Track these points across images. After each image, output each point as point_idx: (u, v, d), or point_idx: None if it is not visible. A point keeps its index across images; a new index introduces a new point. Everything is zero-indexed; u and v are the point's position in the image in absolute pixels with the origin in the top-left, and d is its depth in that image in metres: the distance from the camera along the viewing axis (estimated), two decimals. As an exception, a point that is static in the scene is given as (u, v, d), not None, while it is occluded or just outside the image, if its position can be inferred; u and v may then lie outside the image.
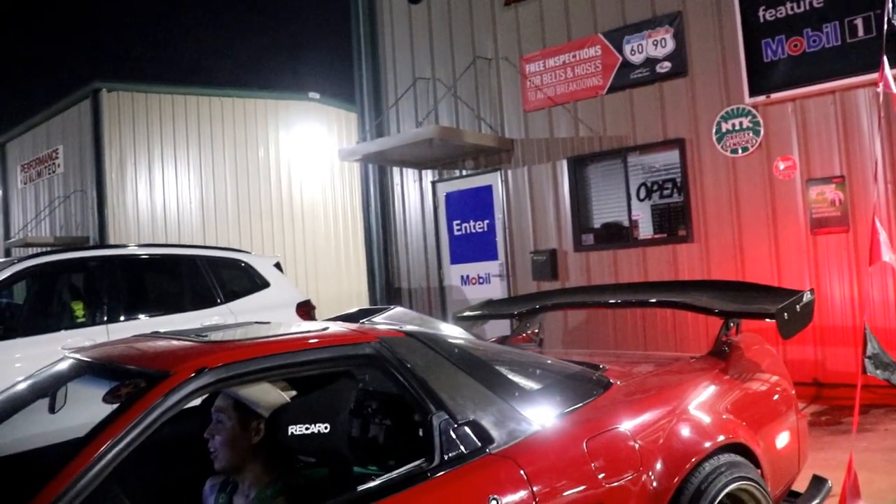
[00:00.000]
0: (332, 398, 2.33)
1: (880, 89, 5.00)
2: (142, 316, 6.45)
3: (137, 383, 2.10)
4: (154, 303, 6.80)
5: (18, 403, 2.63)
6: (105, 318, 6.20)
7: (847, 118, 7.24)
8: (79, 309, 6.32)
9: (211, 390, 2.16)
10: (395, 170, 11.21)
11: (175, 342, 2.46)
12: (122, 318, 6.30)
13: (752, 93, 7.71)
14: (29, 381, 2.72)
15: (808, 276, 7.45)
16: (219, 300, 6.88)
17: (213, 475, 2.60)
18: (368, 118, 11.38)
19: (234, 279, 7.23)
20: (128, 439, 1.93)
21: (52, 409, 2.58)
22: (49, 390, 2.60)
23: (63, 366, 2.66)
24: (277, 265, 7.66)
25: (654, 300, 4.04)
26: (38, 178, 18.83)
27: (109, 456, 1.88)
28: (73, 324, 6.20)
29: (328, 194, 19.25)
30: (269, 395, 2.42)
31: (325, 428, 2.23)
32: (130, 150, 16.26)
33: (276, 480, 2.42)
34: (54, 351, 5.68)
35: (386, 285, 11.28)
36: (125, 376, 2.21)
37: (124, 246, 7.99)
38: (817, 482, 3.80)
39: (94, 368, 2.46)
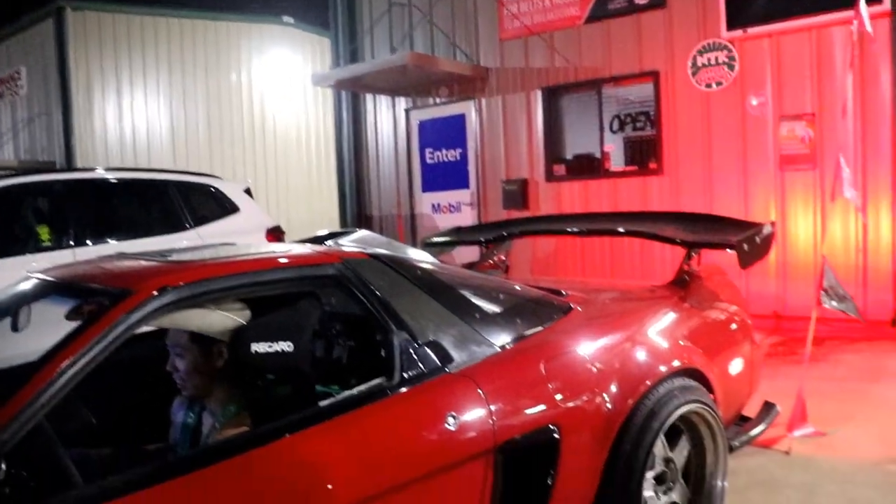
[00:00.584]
0: (295, 318, 2.37)
1: (854, 27, 5.03)
2: (109, 240, 6.40)
3: (100, 301, 2.11)
4: (122, 227, 6.73)
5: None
6: (71, 242, 6.15)
7: (822, 56, 7.27)
8: (44, 233, 6.24)
9: (173, 309, 2.17)
10: (369, 97, 11.11)
11: (139, 262, 2.47)
12: (88, 242, 6.24)
13: (730, 27, 7.70)
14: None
15: (775, 212, 7.57)
16: (188, 225, 6.85)
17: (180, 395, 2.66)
18: (342, 43, 11.19)
19: (204, 204, 7.17)
20: (90, 355, 1.94)
21: (14, 328, 2.59)
22: (11, 310, 2.61)
23: (26, 286, 2.66)
24: (248, 191, 7.62)
25: (619, 229, 4.10)
26: (-1, 99, 18.36)
27: (72, 372, 1.89)
28: (38, 247, 6.12)
29: (301, 120, 19.01)
30: (221, 318, 2.44)
31: (289, 346, 2.27)
32: (98, 73, 15.85)
33: (239, 398, 2.48)
34: (19, 275, 5.68)
35: (357, 212, 11.30)
36: (88, 295, 2.22)
37: (92, 170, 7.88)
38: (767, 407, 3.96)
39: (57, 288, 2.47)
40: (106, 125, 15.91)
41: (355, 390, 2.27)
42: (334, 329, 2.72)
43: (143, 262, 2.43)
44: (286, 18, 18.86)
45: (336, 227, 14.98)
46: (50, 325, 2.37)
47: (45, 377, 1.84)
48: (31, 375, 1.85)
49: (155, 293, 2.10)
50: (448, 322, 2.53)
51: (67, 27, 15.51)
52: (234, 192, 7.37)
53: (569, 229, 4.49)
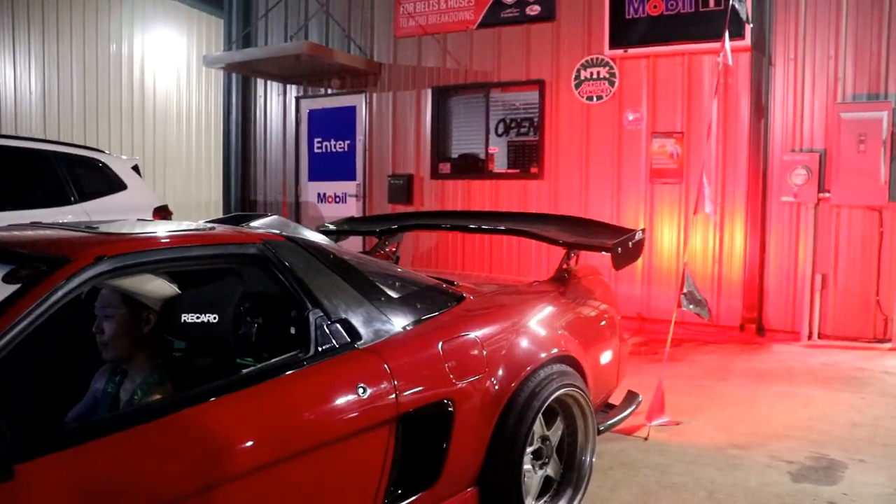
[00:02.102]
0: (220, 292, 2.54)
1: (720, 59, 5.58)
2: (-12, 210, 6.21)
3: (37, 267, 2.22)
4: (2, 197, 6.53)
5: None
6: (-54, 211, 5.95)
7: (692, 80, 7.89)
8: None
9: (107, 278, 2.30)
10: (260, 82, 11.10)
11: (66, 232, 2.57)
12: (-37, 211, 6.05)
13: (612, 45, 8.21)
14: None
15: (644, 220, 8.15)
16: (73, 199, 6.73)
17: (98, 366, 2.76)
18: (236, 26, 11.13)
19: (90, 178, 7.05)
20: (30, 318, 2.04)
21: None
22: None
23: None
24: (136, 168, 7.53)
25: (508, 228, 4.43)
26: None
27: (13, 333, 1.99)
28: None
29: (183, 99, 18.54)
30: (157, 287, 2.60)
31: (214, 318, 2.44)
32: (-40, 34, 14.98)
33: (161, 367, 2.62)
34: None
35: (241, 197, 11.25)
36: (23, 260, 2.31)
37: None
38: (630, 396, 4.39)
39: None
40: (-32, 89, 15.05)
41: (274, 360, 2.47)
42: (250, 306, 2.90)
43: (72, 233, 2.54)
44: (176, -7, 18.34)
45: (217, 210, 14.77)
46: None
47: None
48: None
49: (92, 261, 2.23)
50: (357, 302, 2.77)
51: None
52: (121, 169, 7.29)
53: (463, 226, 4.79)
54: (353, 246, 7.20)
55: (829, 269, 7.42)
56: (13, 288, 2.17)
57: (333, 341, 2.60)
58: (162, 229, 2.67)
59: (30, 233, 2.68)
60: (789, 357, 6.93)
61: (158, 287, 2.56)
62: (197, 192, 18.36)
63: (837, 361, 6.72)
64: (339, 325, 2.64)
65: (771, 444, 4.60)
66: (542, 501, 3.41)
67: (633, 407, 4.26)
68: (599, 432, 3.89)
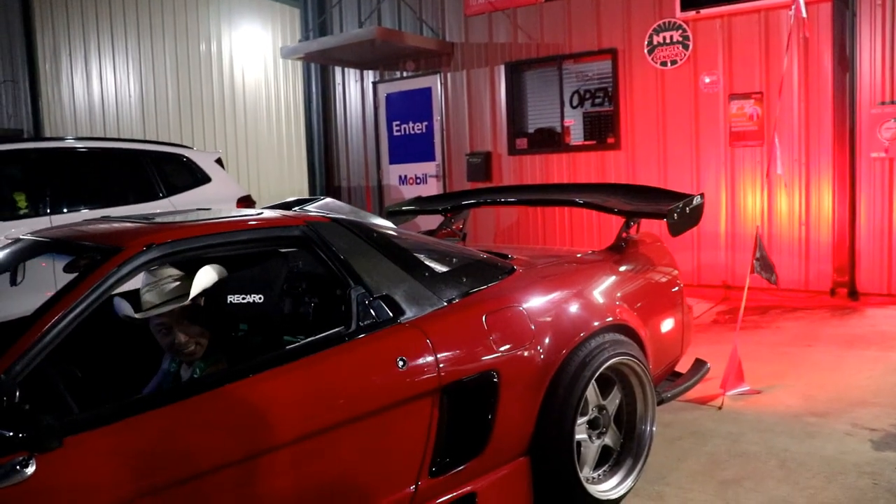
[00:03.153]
0: (265, 274, 2.67)
1: (792, 12, 5.37)
2: (84, 208, 6.59)
3: (93, 256, 2.40)
4: (96, 196, 6.89)
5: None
6: (48, 210, 6.33)
7: (770, 37, 7.60)
8: (21, 200, 6.42)
9: (158, 264, 2.47)
10: (337, 69, 11.31)
11: (125, 224, 2.75)
12: (64, 210, 6.44)
13: (684, 7, 7.99)
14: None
15: (724, 186, 7.94)
16: (161, 194, 7.05)
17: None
18: (311, 16, 11.37)
19: (176, 174, 7.36)
20: (87, 302, 2.22)
21: (13, 283, 2.87)
22: (9, 266, 2.88)
23: (19, 245, 2.93)
24: (219, 161, 7.81)
25: (562, 199, 4.42)
26: (-39, 65, 18.16)
27: (72, 315, 2.18)
28: (15, 215, 6.29)
29: (271, 91, 19.01)
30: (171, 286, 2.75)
31: (260, 298, 2.57)
32: (65, 40, 15.78)
33: (217, 346, 2.78)
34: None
35: (326, 183, 11.53)
36: (82, 251, 2.50)
37: (63, 139, 8.01)
38: (698, 364, 4.32)
39: (51, 246, 2.74)
40: (74, 93, 15.86)
41: (316, 337, 2.57)
42: (300, 286, 3.02)
43: (129, 224, 2.71)
44: (255, -12, 18.81)
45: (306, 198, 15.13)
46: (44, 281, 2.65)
47: (51, 318, 2.13)
48: (38, 318, 2.13)
49: (143, 249, 2.39)
50: (400, 279, 2.84)
51: (33, -7, 15.41)
52: (205, 162, 7.57)
53: (521, 199, 4.81)
54: (430, 225, 7.31)
55: (926, 227, 7.06)
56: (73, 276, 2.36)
57: (375, 316, 2.69)
58: (211, 217, 2.81)
59: (95, 227, 2.87)
60: (883, 321, 6.64)
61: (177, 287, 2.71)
62: (289, 181, 18.83)
63: (936, 324, 6.41)
64: (381, 301, 2.72)
65: (854, 411, 4.45)
66: (600, 471, 3.43)
67: (700, 375, 4.19)
68: (664, 401, 3.86)
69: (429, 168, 10.27)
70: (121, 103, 16.51)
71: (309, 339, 2.56)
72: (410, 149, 10.47)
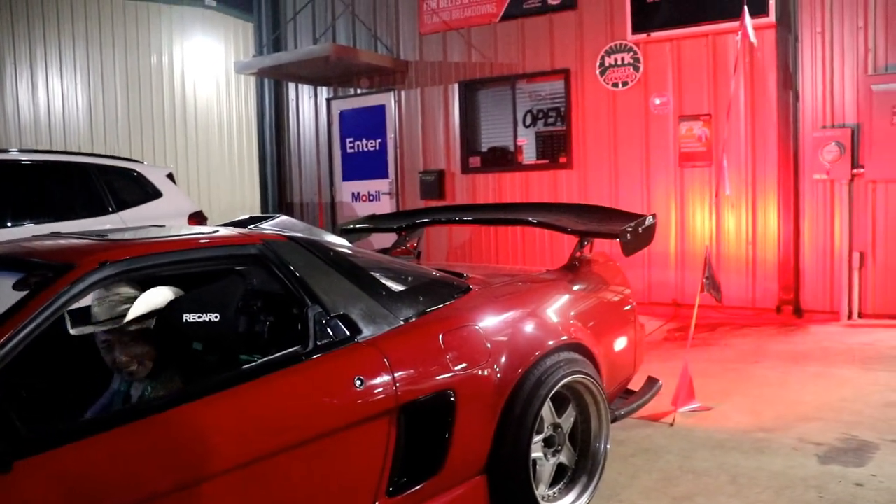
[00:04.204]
0: (221, 292, 2.64)
1: (739, 38, 5.52)
2: (30, 223, 6.43)
3: (45, 274, 2.35)
4: (43, 210, 6.74)
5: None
6: (-8, 224, 6.18)
7: (717, 60, 7.81)
8: None
9: (111, 282, 2.42)
10: (291, 85, 11.28)
11: (77, 240, 2.70)
12: (9, 223, 6.28)
13: (635, 30, 8.16)
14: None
15: (674, 205, 8.09)
16: (110, 209, 6.92)
17: None
18: (266, 32, 11.33)
19: (126, 188, 7.23)
20: (38, 321, 2.17)
21: None
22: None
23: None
24: (170, 175, 7.70)
25: (514, 218, 4.45)
26: None
27: (22, 334, 2.12)
28: (-44, 228, 6.14)
29: (223, 105, 18.83)
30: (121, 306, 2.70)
31: (216, 317, 2.54)
32: (9, 50, 15.42)
33: (169, 366, 2.73)
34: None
35: (279, 199, 11.46)
36: (33, 268, 2.44)
37: (8, 151, 7.83)
38: (650, 382, 4.39)
39: (2, 262, 2.67)
40: (18, 104, 15.49)
41: (273, 356, 2.55)
42: (255, 305, 2.99)
43: (81, 241, 2.66)
44: (208, 1, 18.66)
45: (258, 214, 15.00)
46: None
47: (0, 337, 2.07)
48: None
49: (95, 267, 2.35)
50: (357, 298, 2.84)
51: (-24, 0, 15.08)
52: (156, 177, 7.46)
53: (475, 218, 4.84)
54: (383, 243, 7.30)
55: (866, 247, 7.28)
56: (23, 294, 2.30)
57: (332, 336, 2.68)
58: (166, 234, 2.77)
59: (45, 242, 2.81)
60: (826, 337, 6.82)
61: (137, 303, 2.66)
62: (241, 197, 18.65)
63: (876, 340, 6.59)
64: (338, 321, 2.71)
65: (800, 426, 4.55)
66: (556, 489, 3.45)
67: (653, 393, 4.26)
68: (617, 419, 3.91)
69: (382, 185, 10.28)
70: (68, 115, 16.18)
71: (265, 358, 2.54)
72: (364, 166, 10.47)
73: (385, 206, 10.17)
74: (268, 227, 3.33)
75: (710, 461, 4.09)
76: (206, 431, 2.26)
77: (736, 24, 7.13)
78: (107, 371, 2.94)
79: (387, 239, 8.00)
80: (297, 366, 2.53)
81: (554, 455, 3.42)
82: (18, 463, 1.90)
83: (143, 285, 2.72)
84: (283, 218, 3.49)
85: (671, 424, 4.66)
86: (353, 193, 10.61)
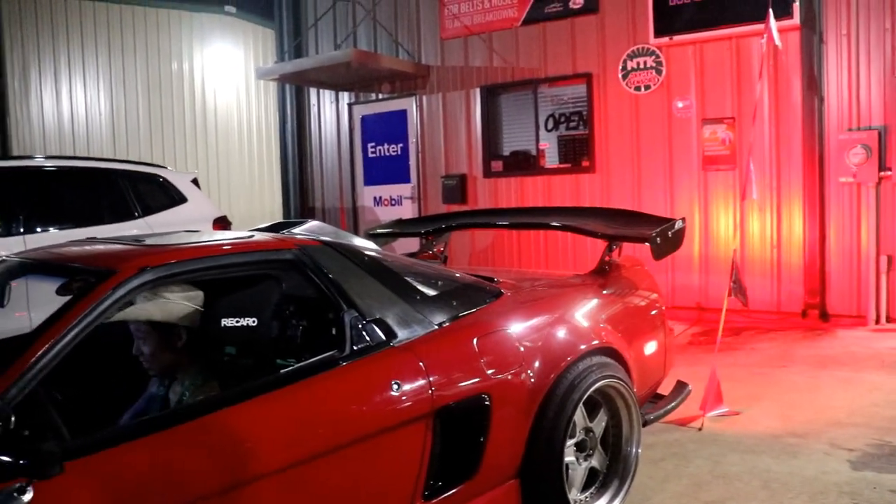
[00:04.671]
0: (258, 297, 2.66)
1: (764, 41, 5.49)
2: (59, 228, 6.51)
3: (87, 279, 2.37)
4: (72, 215, 6.81)
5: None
6: (21, 230, 6.23)
7: (741, 63, 7.77)
8: None
9: (151, 287, 2.44)
10: (313, 90, 11.33)
11: (116, 246, 2.73)
12: (38, 229, 6.35)
13: (657, 34, 8.13)
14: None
15: (698, 209, 8.05)
16: (136, 214, 6.98)
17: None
18: (287, 38, 11.40)
19: (152, 194, 7.29)
20: (81, 326, 2.19)
21: (0, 304, 2.83)
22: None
23: (5, 266, 2.89)
24: (195, 181, 7.76)
25: (547, 223, 4.45)
26: (-73, 83, 17.86)
27: (66, 339, 2.14)
28: (-14, 234, 6.20)
29: (243, 111, 18.96)
30: (180, 308, 2.73)
31: (253, 322, 2.56)
32: (34, 58, 15.58)
33: (206, 370, 2.76)
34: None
35: (301, 204, 11.51)
36: (75, 273, 2.48)
37: (33, 157, 7.92)
38: (679, 386, 4.36)
39: (40, 267, 2.71)
40: (43, 111, 15.65)
41: (310, 360, 2.57)
42: (288, 309, 3.01)
43: (121, 246, 2.69)
44: (228, 8, 18.79)
45: (279, 219, 15.11)
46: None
47: (45, 342, 2.10)
48: (32, 341, 2.10)
49: (136, 272, 2.37)
50: (392, 302, 2.85)
51: (2, 9, 15.24)
52: (181, 183, 7.52)
53: (503, 222, 4.84)
54: (408, 248, 7.31)
55: (894, 250, 7.21)
56: (66, 299, 2.33)
57: (368, 340, 2.69)
58: (202, 240, 2.80)
59: (84, 248, 2.84)
60: (854, 342, 6.76)
61: (179, 306, 2.69)
62: (260, 202, 18.76)
63: (905, 345, 6.54)
64: (373, 325, 2.73)
65: (831, 431, 4.52)
66: (587, 493, 3.44)
67: (682, 397, 4.23)
68: (648, 423, 3.89)
69: (404, 190, 10.30)
70: (91, 122, 16.34)
71: (303, 362, 2.55)
72: (386, 170, 10.50)
73: (407, 210, 10.19)
74: (299, 231, 3.35)
75: (741, 466, 4.06)
76: (248, 435, 2.28)
77: (759, 26, 7.11)
78: (138, 375, 2.97)
79: (412, 244, 8.06)
80: (334, 370, 2.54)
81: (586, 459, 3.41)
82: (69, 464, 1.92)
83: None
84: (313, 223, 3.50)
85: (700, 429, 4.64)
86: (374, 198, 10.65)
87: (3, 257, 3.00)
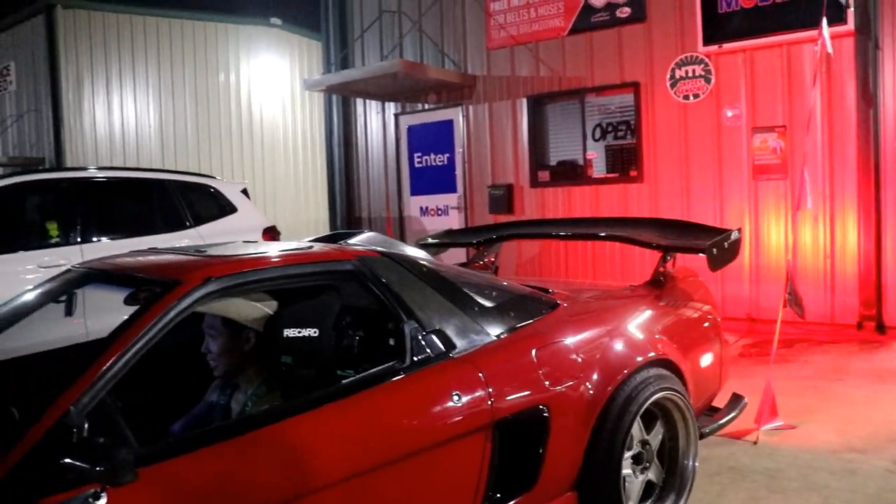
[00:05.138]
0: (319, 308, 2.69)
1: (818, 47, 5.41)
2: (114, 237, 6.63)
3: (153, 289, 2.42)
4: (126, 225, 6.94)
5: (29, 309, 2.95)
6: (79, 239, 6.37)
7: (792, 71, 7.65)
8: (53, 229, 6.47)
9: (216, 297, 2.48)
10: (359, 101, 11.41)
11: (179, 256, 2.78)
12: (94, 238, 6.48)
13: (706, 42, 8.05)
14: (39, 290, 3.01)
15: (748, 219, 7.94)
16: (188, 223, 7.09)
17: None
18: (334, 49, 11.50)
19: (203, 203, 7.40)
20: (149, 336, 2.24)
21: (69, 313, 2.90)
22: (62, 297, 2.91)
23: (71, 276, 2.96)
24: (244, 191, 7.86)
25: (601, 234, 4.43)
26: (-13, 94, 18.42)
27: (134, 349, 2.19)
28: (47, 243, 6.31)
29: (288, 121, 19.24)
30: (252, 310, 2.77)
31: (315, 332, 2.59)
32: (87, 71, 16.01)
33: (269, 380, 2.79)
34: (32, 268, 5.95)
35: (347, 214, 11.58)
36: (140, 283, 2.53)
37: (84, 168, 8.09)
38: (735, 399, 4.30)
39: (106, 277, 2.77)
40: (95, 122, 16.06)
41: (372, 371, 2.59)
42: (344, 320, 3.04)
43: (185, 257, 2.73)
44: (273, 20, 19.07)
45: (323, 228, 15.26)
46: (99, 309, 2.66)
47: (115, 352, 2.15)
48: (102, 351, 2.15)
49: (201, 283, 2.41)
50: (451, 313, 2.86)
51: (58, 24, 15.65)
52: (231, 193, 7.62)
53: (555, 233, 4.83)
54: (456, 258, 7.32)
55: (953, 260, 7.04)
56: (133, 309, 2.38)
57: (428, 351, 2.70)
58: (264, 250, 2.83)
59: (148, 258, 2.90)
60: (912, 355, 6.61)
61: (254, 308, 2.73)
62: (305, 212, 19.00)
63: (966, 358, 6.37)
64: (433, 336, 2.74)
65: (892, 447, 4.40)
66: (644, 506, 3.41)
67: (739, 410, 4.17)
68: (703, 436, 3.84)
69: (450, 200, 10.32)
70: (140, 132, 16.70)
71: (364, 373, 2.57)
72: (432, 180, 10.53)
73: (453, 220, 10.21)
74: (356, 242, 3.38)
75: (799, 482, 3.99)
76: (312, 446, 2.30)
77: (810, 33, 7.06)
78: (194, 381, 3.02)
79: (459, 254, 8.07)
80: (396, 381, 2.55)
81: (642, 472, 3.38)
82: (144, 470, 1.96)
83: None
84: (369, 233, 3.53)
85: (755, 443, 4.57)
86: (421, 208, 10.69)
87: (69, 267, 3.07)
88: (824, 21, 5.41)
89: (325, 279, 2.77)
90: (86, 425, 1.97)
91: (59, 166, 15.18)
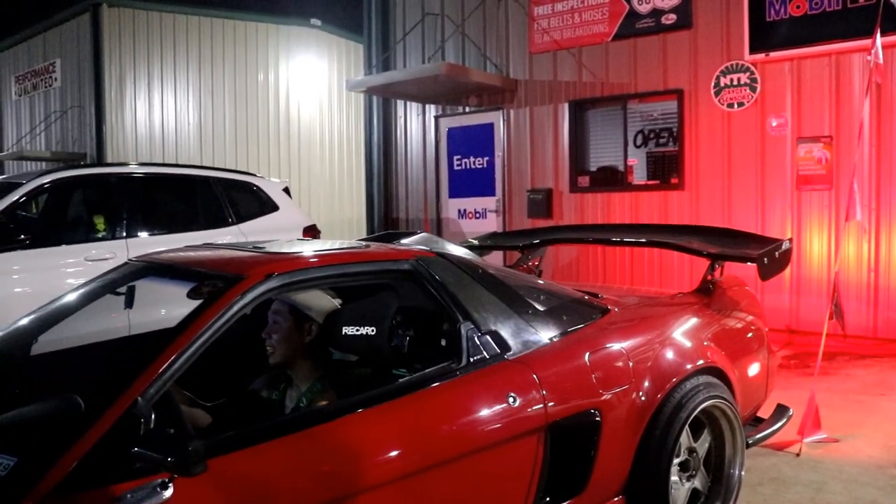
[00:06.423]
0: (378, 306, 2.72)
1: (871, 57, 5.35)
2: (159, 232, 6.73)
3: (216, 284, 2.47)
4: (170, 220, 7.06)
5: (87, 300, 3.01)
6: (124, 234, 6.46)
7: (840, 81, 7.56)
8: (100, 223, 6.59)
9: (276, 293, 2.52)
10: (400, 103, 11.46)
11: (239, 252, 2.82)
12: (139, 233, 6.58)
13: (753, 50, 7.98)
14: (96, 282, 3.08)
15: (791, 229, 7.85)
16: (230, 220, 7.18)
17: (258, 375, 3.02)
18: (375, 51, 11.56)
19: (245, 201, 7.49)
20: (212, 329, 2.28)
21: (128, 305, 2.97)
22: (121, 289, 2.97)
23: (130, 269, 3.02)
24: (286, 189, 7.94)
25: (652, 240, 4.42)
26: (33, 90, 18.75)
27: (199, 342, 2.24)
28: (94, 237, 6.43)
29: (325, 122, 19.39)
30: (320, 301, 2.81)
31: (372, 331, 2.62)
32: (130, 68, 16.27)
33: (324, 376, 2.83)
34: (79, 260, 6.06)
35: (384, 214, 11.63)
36: (202, 278, 2.57)
37: (125, 164, 8.21)
38: (781, 410, 4.28)
39: (167, 271, 2.82)
40: (136, 119, 16.31)
41: (429, 370, 2.61)
42: (396, 319, 3.07)
43: (246, 253, 2.78)
44: (314, 21, 19.23)
45: (360, 228, 15.35)
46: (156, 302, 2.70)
47: (180, 345, 2.19)
48: (167, 343, 2.19)
49: (263, 278, 2.45)
50: (506, 315, 2.88)
51: (103, 22, 15.92)
52: (273, 191, 7.70)
53: (605, 239, 4.82)
54: (494, 261, 7.32)
55: None
56: (197, 302, 2.42)
57: (484, 352, 2.72)
58: (324, 248, 2.87)
59: (206, 253, 2.95)
60: (959, 371, 6.50)
61: (324, 301, 2.76)
62: (340, 211, 19.14)
63: None
64: (489, 337, 2.76)
65: (940, 464, 4.36)
66: (690, 514, 3.40)
67: (784, 421, 4.15)
68: (748, 446, 3.82)
69: (489, 203, 10.34)
70: (180, 130, 16.93)
71: (421, 372, 2.60)
72: (470, 183, 10.55)
73: (491, 223, 10.22)
74: (410, 242, 3.41)
75: (844, 496, 3.95)
76: (370, 444, 2.32)
77: (860, 42, 6.99)
78: (241, 374, 3.05)
79: (499, 257, 8.08)
80: (452, 381, 2.58)
81: (689, 480, 3.37)
82: (213, 461, 1.99)
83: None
84: (423, 234, 3.57)
85: (797, 454, 4.53)
86: (459, 210, 10.71)
87: (127, 260, 3.14)
88: (878, 31, 5.35)
89: (383, 278, 2.81)
90: (153, 416, 2.01)
91: (100, 162, 15.42)
